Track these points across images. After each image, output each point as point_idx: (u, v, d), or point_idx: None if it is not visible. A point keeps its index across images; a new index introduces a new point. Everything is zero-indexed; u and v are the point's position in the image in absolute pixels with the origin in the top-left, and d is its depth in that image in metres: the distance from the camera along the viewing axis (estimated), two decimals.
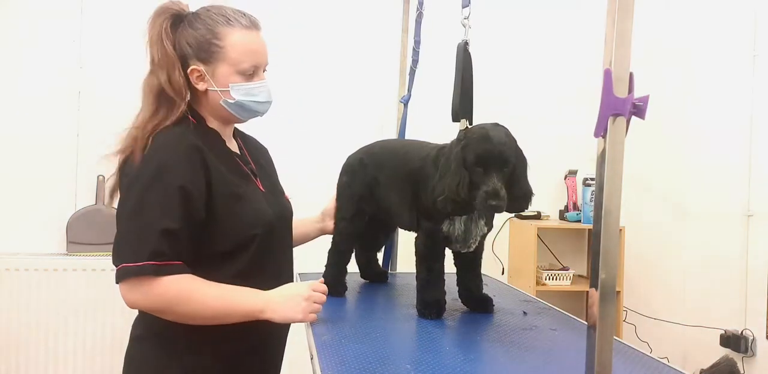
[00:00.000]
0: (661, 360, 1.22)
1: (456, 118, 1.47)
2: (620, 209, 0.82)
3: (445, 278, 1.48)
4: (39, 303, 2.80)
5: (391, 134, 2.18)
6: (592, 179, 2.99)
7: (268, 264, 1.35)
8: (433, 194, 1.37)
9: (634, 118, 0.81)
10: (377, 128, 3.13)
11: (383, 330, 1.36)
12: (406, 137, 2.04)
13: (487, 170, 1.28)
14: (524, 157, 1.35)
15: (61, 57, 2.95)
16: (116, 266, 1.19)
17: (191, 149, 1.25)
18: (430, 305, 1.44)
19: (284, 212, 1.44)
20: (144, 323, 1.34)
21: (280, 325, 1.34)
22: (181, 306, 1.21)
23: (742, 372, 2.39)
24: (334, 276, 1.68)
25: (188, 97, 1.31)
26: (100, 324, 2.83)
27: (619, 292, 2.98)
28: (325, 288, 1.31)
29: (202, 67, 1.29)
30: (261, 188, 1.38)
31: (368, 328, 1.35)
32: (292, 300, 1.25)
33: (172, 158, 1.23)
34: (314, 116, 3.14)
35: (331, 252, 1.70)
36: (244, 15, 1.32)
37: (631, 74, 0.81)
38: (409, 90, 2.05)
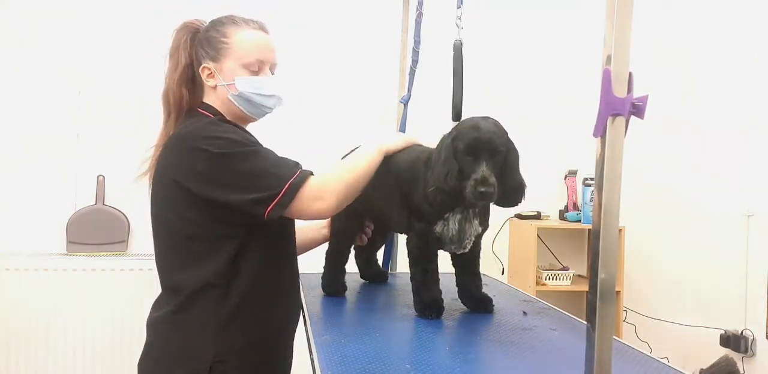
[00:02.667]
0: (661, 360, 1.22)
1: (457, 117, 1.47)
2: (620, 209, 0.82)
3: (444, 278, 1.48)
4: (39, 303, 2.80)
5: None
6: (592, 179, 2.99)
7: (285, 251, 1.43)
8: (424, 190, 1.37)
9: (633, 118, 0.81)
10: (377, 128, 3.14)
11: (383, 330, 1.36)
12: None
13: (477, 159, 1.28)
14: (516, 149, 1.35)
15: (61, 57, 2.95)
16: (278, 195, 1.23)
17: (223, 121, 1.36)
18: (429, 305, 1.44)
19: None
20: (192, 313, 1.33)
21: (287, 321, 1.44)
22: (351, 182, 1.32)
23: (742, 372, 2.38)
24: (332, 277, 1.69)
25: (186, 104, 1.39)
26: (100, 324, 2.84)
27: (619, 292, 2.98)
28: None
29: (211, 65, 1.37)
30: None
31: (368, 328, 1.35)
32: (394, 135, 1.51)
33: (220, 127, 1.32)
34: (314, 116, 3.14)
35: (328, 253, 1.70)
36: (254, 21, 1.41)
37: (630, 74, 0.81)
38: (409, 90, 2.05)
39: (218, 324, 1.29)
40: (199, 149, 1.25)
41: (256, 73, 1.37)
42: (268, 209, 1.24)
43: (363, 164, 1.37)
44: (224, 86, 1.36)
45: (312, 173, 1.31)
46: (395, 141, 1.46)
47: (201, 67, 1.37)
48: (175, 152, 1.30)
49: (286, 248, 1.44)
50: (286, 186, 1.24)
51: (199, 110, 1.39)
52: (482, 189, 1.25)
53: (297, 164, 1.32)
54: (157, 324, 1.34)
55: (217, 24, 1.39)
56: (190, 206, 1.28)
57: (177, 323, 1.31)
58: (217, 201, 1.26)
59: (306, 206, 1.26)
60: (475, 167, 1.27)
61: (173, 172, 1.29)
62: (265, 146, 1.34)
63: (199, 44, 1.39)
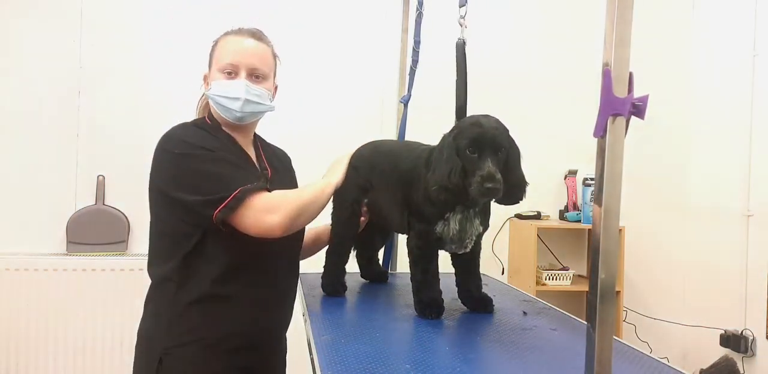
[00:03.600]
0: (661, 360, 1.22)
1: (460, 117, 1.47)
2: (620, 209, 0.82)
3: (444, 278, 1.48)
4: (39, 303, 2.80)
5: (391, 134, 2.18)
6: (592, 179, 2.99)
7: (269, 263, 1.43)
8: (425, 192, 1.37)
9: (633, 118, 0.81)
10: (377, 128, 3.14)
11: (383, 330, 1.36)
12: (406, 137, 2.03)
13: (481, 155, 1.27)
14: (517, 146, 1.35)
15: (61, 57, 2.95)
16: (222, 203, 1.26)
17: (197, 126, 1.42)
18: (429, 305, 1.44)
19: None
20: (153, 304, 1.42)
21: (274, 324, 1.48)
22: (305, 206, 1.34)
23: (742, 372, 2.39)
24: (333, 276, 1.69)
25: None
26: (100, 324, 2.84)
27: (619, 292, 2.98)
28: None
29: (205, 72, 1.47)
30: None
31: (368, 328, 1.35)
32: (339, 164, 1.58)
33: (187, 132, 1.38)
34: (314, 116, 3.14)
35: (328, 253, 1.70)
36: (248, 30, 1.45)
37: (630, 74, 0.81)
38: (409, 90, 2.05)
39: (170, 317, 1.35)
40: (165, 150, 1.34)
41: (230, 77, 1.40)
42: (216, 211, 1.26)
43: (317, 192, 1.41)
44: (207, 92, 1.44)
45: (268, 189, 1.34)
46: (337, 173, 1.56)
47: (202, 75, 1.48)
48: (154, 153, 1.38)
49: (258, 261, 1.41)
50: (236, 191, 1.27)
51: (206, 118, 1.48)
52: (489, 185, 1.24)
53: (258, 178, 1.38)
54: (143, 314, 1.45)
55: (216, 38, 1.47)
56: (162, 205, 1.37)
57: (144, 313, 1.43)
58: (176, 200, 1.32)
59: (256, 217, 1.28)
60: (480, 164, 1.27)
61: (151, 172, 1.38)
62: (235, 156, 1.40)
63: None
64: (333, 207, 1.69)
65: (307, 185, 1.44)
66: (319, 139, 3.04)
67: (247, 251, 1.38)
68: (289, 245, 1.50)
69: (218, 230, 1.31)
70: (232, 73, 1.40)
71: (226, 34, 1.45)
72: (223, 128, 1.45)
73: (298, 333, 1.53)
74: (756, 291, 2.48)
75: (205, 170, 1.30)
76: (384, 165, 1.58)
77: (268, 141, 1.64)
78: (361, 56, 3.17)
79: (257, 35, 1.45)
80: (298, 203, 1.32)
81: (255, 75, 1.42)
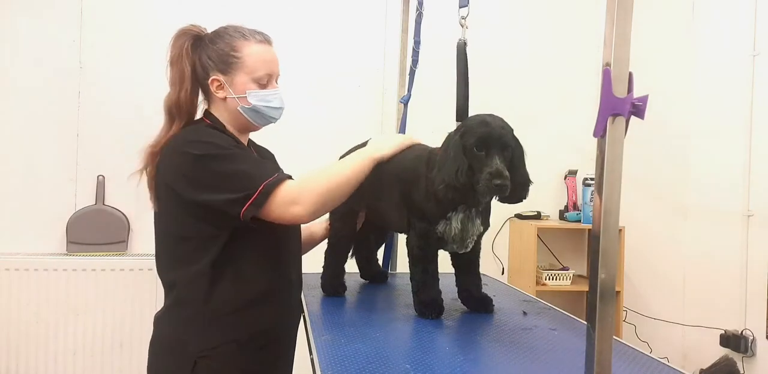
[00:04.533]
0: (661, 360, 1.22)
1: (461, 118, 1.47)
2: (620, 209, 0.82)
3: (444, 278, 1.48)
4: (39, 303, 2.80)
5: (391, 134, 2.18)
6: (592, 179, 2.99)
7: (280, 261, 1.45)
8: (427, 191, 1.37)
9: (633, 118, 0.81)
10: (377, 127, 3.14)
11: (383, 330, 1.36)
12: None
13: (489, 153, 1.28)
14: (521, 145, 1.35)
15: (61, 57, 2.95)
16: (246, 202, 1.27)
17: (209, 127, 1.42)
18: (429, 305, 1.44)
19: None
20: (181, 308, 1.40)
21: (279, 324, 1.46)
22: (333, 188, 1.34)
23: (742, 372, 2.39)
24: (332, 277, 1.69)
25: (196, 112, 1.45)
26: (100, 324, 2.84)
27: (619, 292, 2.98)
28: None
29: (221, 77, 1.41)
30: None
31: (368, 328, 1.35)
32: (390, 139, 1.52)
33: (206, 133, 1.38)
34: (314, 116, 3.14)
35: (327, 253, 1.70)
36: (259, 32, 1.45)
37: (630, 74, 0.81)
38: (409, 90, 2.06)
39: (203, 320, 1.35)
40: (183, 153, 1.33)
41: (264, 86, 1.43)
42: (243, 209, 1.27)
43: (347, 171, 1.38)
44: (235, 99, 1.41)
45: (290, 177, 1.35)
46: (390, 147, 1.48)
47: (210, 79, 1.42)
48: (167, 156, 1.37)
49: (278, 254, 1.46)
50: (261, 187, 1.28)
51: (205, 119, 1.45)
52: (498, 182, 1.25)
53: (277, 168, 1.39)
54: (156, 319, 1.43)
55: (225, 37, 1.42)
56: (181, 208, 1.36)
57: (170, 318, 1.39)
58: (200, 202, 1.31)
59: (282, 210, 1.29)
60: (488, 161, 1.27)
61: (166, 175, 1.36)
62: (253, 151, 1.41)
63: (204, 54, 1.42)
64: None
65: (347, 161, 1.42)
66: (320, 139, 3.05)
67: (267, 246, 1.41)
68: (295, 236, 1.54)
69: (245, 227, 1.31)
70: (266, 82, 1.43)
71: (246, 39, 1.42)
72: (227, 129, 1.46)
73: (299, 333, 1.53)
74: (756, 291, 2.48)
75: (226, 169, 1.31)
76: (383, 164, 1.57)
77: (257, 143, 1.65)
78: (361, 56, 3.17)
79: (270, 41, 1.47)
80: (327, 188, 1.33)
81: (276, 81, 1.48)
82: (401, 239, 1.96)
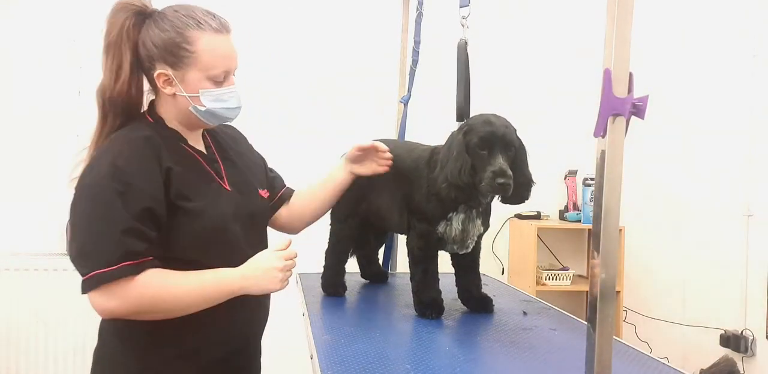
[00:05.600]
0: (661, 360, 1.22)
1: (461, 118, 1.47)
2: (620, 209, 0.82)
3: (444, 278, 1.48)
4: (39, 303, 2.80)
5: (391, 134, 2.18)
6: (592, 179, 2.99)
7: (234, 264, 1.24)
8: (428, 191, 1.37)
9: (633, 118, 0.81)
10: (377, 128, 3.14)
11: (383, 330, 1.36)
12: (406, 137, 2.04)
13: (492, 152, 1.28)
14: (524, 146, 1.36)
15: (61, 57, 2.95)
16: (84, 275, 1.12)
17: (143, 141, 1.20)
18: (429, 305, 1.44)
19: (251, 211, 1.35)
20: (105, 322, 1.33)
21: (242, 326, 1.34)
22: (162, 304, 1.16)
23: (742, 372, 2.38)
24: (333, 277, 1.69)
25: (144, 105, 1.29)
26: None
27: (619, 292, 2.98)
28: (294, 252, 1.26)
29: (170, 72, 1.22)
30: (227, 187, 1.31)
31: (368, 328, 1.35)
32: (269, 273, 1.22)
33: (122, 153, 1.18)
34: (314, 115, 3.14)
35: (328, 253, 1.70)
36: (214, 17, 1.25)
37: (630, 74, 0.81)
38: (409, 90, 2.06)
39: (145, 334, 1.24)
40: (88, 165, 1.20)
41: (220, 83, 1.25)
42: (85, 277, 1.12)
43: (198, 300, 1.19)
44: (186, 97, 1.24)
45: (151, 261, 1.15)
46: (262, 289, 1.22)
47: (156, 72, 1.23)
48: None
49: (221, 263, 1.26)
50: (116, 267, 1.11)
51: (147, 116, 1.29)
52: (501, 181, 1.25)
53: (148, 240, 1.15)
54: (101, 330, 1.36)
55: (176, 22, 1.21)
56: None
57: (115, 329, 1.31)
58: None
59: (96, 300, 1.14)
60: (491, 160, 1.27)
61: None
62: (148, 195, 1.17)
63: (149, 38, 1.23)
64: (332, 207, 1.69)
65: (211, 284, 1.20)
66: (319, 139, 3.04)
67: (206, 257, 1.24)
68: (258, 240, 1.39)
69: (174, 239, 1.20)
70: (223, 79, 1.25)
71: (201, 29, 1.21)
72: (170, 124, 1.29)
73: (298, 333, 1.52)
74: (756, 291, 2.48)
75: (90, 224, 1.14)
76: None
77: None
78: (361, 56, 3.17)
79: (228, 27, 1.27)
80: (155, 299, 1.15)
81: (233, 74, 1.29)
82: (401, 239, 1.96)
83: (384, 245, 1.97)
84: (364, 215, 1.65)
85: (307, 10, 3.15)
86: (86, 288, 1.13)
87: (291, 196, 1.56)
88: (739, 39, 2.65)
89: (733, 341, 2.59)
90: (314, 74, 3.14)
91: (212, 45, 1.22)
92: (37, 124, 2.94)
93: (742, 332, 2.57)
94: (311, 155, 3.05)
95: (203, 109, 1.25)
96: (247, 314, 1.33)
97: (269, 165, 1.56)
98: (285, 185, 1.57)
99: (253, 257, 1.25)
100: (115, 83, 1.25)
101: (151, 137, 1.23)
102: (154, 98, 1.31)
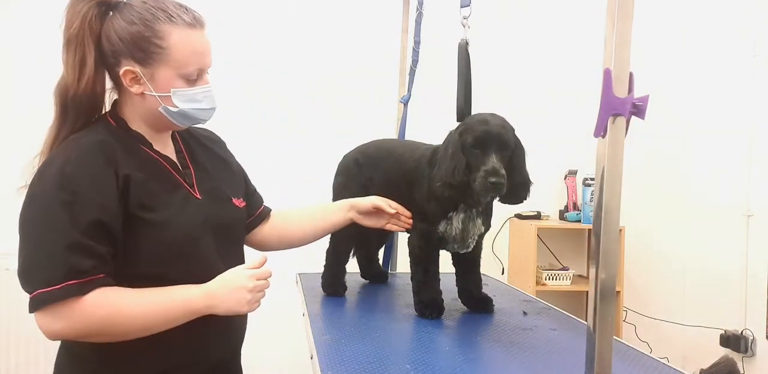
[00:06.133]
0: (661, 360, 1.22)
1: (461, 118, 1.47)
2: (620, 209, 0.82)
3: (444, 278, 1.48)
4: None
5: (391, 133, 2.18)
6: (592, 179, 2.99)
7: (204, 279, 1.14)
8: (428, 191, 1.37)
9: (633, 118, 0.81)
10: (377, 127, 3.14)
11: (383, 330, 1.36)
12: (406, 137, 2.04)
13: (486, 151, 1.27)
14: (522, 145, 1.35)
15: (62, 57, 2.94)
16: (30, 293, 1.04)
17: (97, 145, 1.10)
18: (429, 305, 1.44)
19: (224, 221, 1.24)
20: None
21: (214, 346, 1.22)
22: (116, 325, 1.06)
23: (742, 372, 2.38)
24: (333, 277, 1.69)
25: (106, 104, 1.20)
26: None
27: (619, 292, 2.98)
28: (268, 271, 1.16)
29: (138, 69, 1.12)
30: (197, 195, 1.21)
31: (368, 328, 1.35)
32: (237, 293, 1.11)
33: (72, 160, 1.08)
34: (314, 116, 3.14)
35: (329, 253, 1.70)
36: (187, 11, 1.15)
37: (631, 74, 0.81)
38: (409, 90, 2.06)
39: (95, 354, 1.15)
40: (37, 172, 1.13)
41: (193, 82, 1.15)
42: (32, 293, 1.05)
43: (159, 316, 1.08)
44: (155, 97, 1.14)
45: (106, 279, 1.05)
46: (226, 310, 1.12)
47: (122, 69, 1.13)
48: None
49: (178, 280, 1.16)
50: (61, 285, 1.02)
51: (109, 117, 1.19)
52: (493, 179, 1.24)
53: (98, 256, 1.05)
54: (58, 358, 1.25)
55: (145, 14, 1.11)
56: None
57: (65, 349, 1.22)
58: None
59: (42, 315, 1.06)
60: (485, 159, 1.27)
61: None
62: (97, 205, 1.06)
63: (113, 31, 1.13)
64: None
65: (173, 295, 1.10)
66: (319, 139, 3.04)
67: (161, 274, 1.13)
68: (233, 253, 1.29)
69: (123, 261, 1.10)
70: (196, 77, 1.16)
71: (173, 23, 1.11)
72: (134, 126, 1.19)
73: (298, 333, 1.52)
74: (756, 291, 2.48)
75: (34, 228, 1.07)
76: (386, 163, 1.58)
77: (193, 127, 1.32)
78: (361, 56, 3.17)
79: (202, 22, 1.16)
80: (106, 321, 1.05)
81: (207, 72, 1.19)
82: (402, 239, 1.96)
83: (384, 245, 1.97)
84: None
85: (307, 10, 3.15)
86: (31, 307, 1.04)
87: (269, 215, 1.46)
88: (739, 39, 2.65)
89: (733, 341, 2.59)
90: (314, 74, 3.14)
91: (185, 40, 1.12)
92: (37, 124, 2.93)
93: (742, 332, 2.57)
94: (311, 155, 3.05)
95: (175, 110, 1.15)
96: (219, 333, 1.21)
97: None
98: (263, 204, 1.46)
99: (223, 273, 1.14)
100: (79, 81, 1.14)
101: (106, 140, 1.12)
102: (117, 97, 1.20)
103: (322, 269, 1.71)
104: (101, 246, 1.05)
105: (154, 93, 1.14)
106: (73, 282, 1.02)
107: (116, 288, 1.07)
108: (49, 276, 1.03)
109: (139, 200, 1.11)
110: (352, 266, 1.80)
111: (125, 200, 1.09)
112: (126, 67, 1.12)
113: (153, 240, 1.11)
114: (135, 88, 1.14)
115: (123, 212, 1.09)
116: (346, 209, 1.51)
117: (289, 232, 1.48)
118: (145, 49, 1.11)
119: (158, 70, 1.12)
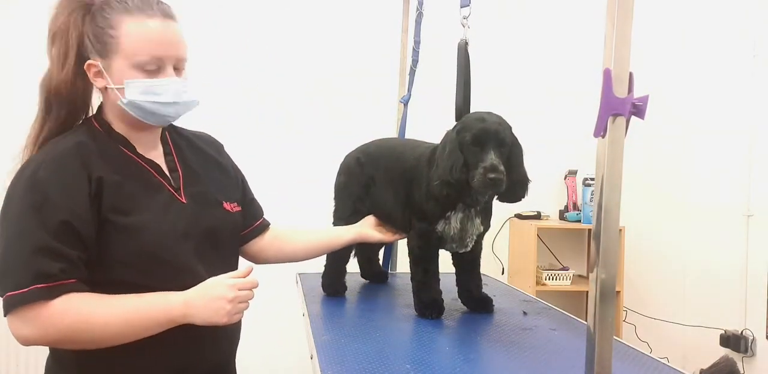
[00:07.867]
0: (660, 360, 1.22)
1: (460, 118, 1.48)
2: (620, 209, 0.82)
3: (444, 278, 1.48)
4: None
5: (391, 133, 2.19)
6: (592, 179, 2.99)
7: (184, 286, 1.10)
8: (427, 190, 1.37)
9: (633, 118, 0.82)
10: (377, 128, 3.14)
11: (383, 330, 1.36)
12: (406, 137, 2.03)
13: (484, 149, 1.27)
14: (519, 143, 1.35)
15: None
16: (1, 296, 1.02)
17: (73, 148, 1.10)
18: (429, 305, 1.44)
19: (210, 226, 1.21)
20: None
21: (199, 357, 1.19)
22: (86, 332, 1.03)
23: (742, 372, 2.38)
24: (333, 276, 1.69)
25: (90, 103, 1.18)
26: None
27: (619, 292, 2.98)
28: (252, 282, 1.12)
29: (99, 62, 1.11)
30: (182, 199, 1.18)
31: (368, 328, 1.35)
32: (215, 303, 1.07)
33: (45, 163, 1.07)
34: (314, 116, 3.14)
35: (329, 253, 1.70)
36: (158, 3, 1.13)
37: (630, 74, 0.81)
38: (409, 90, 2.06)
39: (73, 359, 1.12)
40: (16, 174, 1.11)
41: (154, 73, 1.11)
42: (4, 295, 1.02)
43: (133, 323, 1.05)
44: (114, 90, 1.12)
45: (50, 295, 1.01)
46: (204, 319, 1.08)
47: (86, 63, 1.12)
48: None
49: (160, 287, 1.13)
50: (29, 289, 1.00)
51: (93, 120, 1.18)
52: (492, 176, 1.24)
53: (70, 261, 1.03)
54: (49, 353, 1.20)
55: (106, 9, 1.11)
56: None
57: (52, 352, 1.18)
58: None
59: (13, 319, 1.02)
60: (483, 156, 1.27)
61: None
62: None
63: (88, 30, 1.12)
64: (335, 205, 1.69)
65: (149, 302, 1.07)
66: (319, 139, 3.04)
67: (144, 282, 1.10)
68: (220, 260, 1.24)
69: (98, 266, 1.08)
70: (156, 68, 1.11)
71: (128, 13, 1.09)
72: (118, 129, 1.17)
73: (298, 333, 1.53)
74: (756, 291, 2.48)
75: (11, 237, 1.04)
76: (387, 162, 1.58)
77: (185, 129, 1.32)
78: (361, 56, 3.17)
79: (169, 14, 1.13)
80: (75, 328, 1.02)
81: (177, 67, 1.14)
82: (402, 239, 1.97)
83: (384, 246, 1.97)
84: (366, 214, 1.65)
85: (307, 10, 3.15)
86: (4, 310, 1.02)
87: (267, 229, 1.43)
88: (739, 39, 2.65)
89: (733, 341, 2.59)
90: (314, 74, 3.14)
91: (138, 29, 1.09)
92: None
93: (742, 332, 2.57)
94: (310, 156, 3.05)
95: (125, 101, 1.11)
96: (211, 338, 1.18)
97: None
98: (262, 217, 1.43)
99: (205, 281, 1.10)
100: (60, 72, 1.13)
101: (83, 142, 1.11)
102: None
103: (322, 270, 1.71)
104: (71, 250, 1.03)
105: (112, 85, 1.12)
106: (41, 285, 1.00)
107: (88, 293, 1.05)
108: (18, 279, 1.01)
109: (112, 203, 1.08)
110: (352, 266, 1.80)
111: (98, 204, 1.07)
112: (89, 61, 1.12)
113: (127, 246, 1.09)
114: (99, 83, 1.13)
115: (96, 216, 1.07)
116: (353, 227, 1.57)
117: (289, 247, 1.47)
118: (102, 40, 1.10)
119: (113, 61, 1.10)
